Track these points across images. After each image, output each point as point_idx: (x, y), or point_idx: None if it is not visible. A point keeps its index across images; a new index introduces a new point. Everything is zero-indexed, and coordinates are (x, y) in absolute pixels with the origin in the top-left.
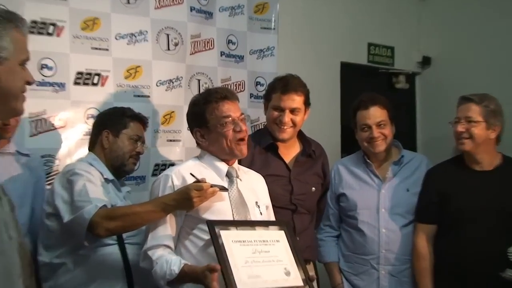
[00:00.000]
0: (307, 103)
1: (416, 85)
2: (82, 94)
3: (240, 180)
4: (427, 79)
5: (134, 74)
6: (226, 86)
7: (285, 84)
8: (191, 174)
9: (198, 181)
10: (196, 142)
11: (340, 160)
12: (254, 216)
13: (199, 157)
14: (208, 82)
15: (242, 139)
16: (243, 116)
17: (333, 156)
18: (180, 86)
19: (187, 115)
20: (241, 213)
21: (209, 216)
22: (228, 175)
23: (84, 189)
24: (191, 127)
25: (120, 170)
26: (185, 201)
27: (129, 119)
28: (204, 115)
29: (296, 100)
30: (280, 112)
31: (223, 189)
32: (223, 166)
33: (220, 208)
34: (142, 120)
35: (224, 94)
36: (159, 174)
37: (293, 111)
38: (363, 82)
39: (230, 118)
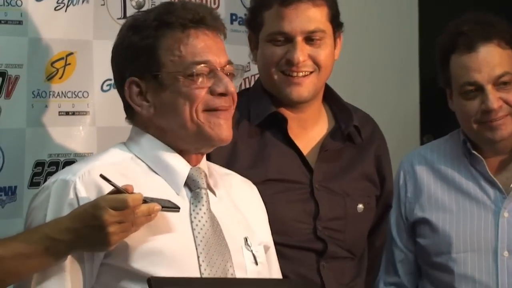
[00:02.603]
0: (335, 23)
1: None
2: None
3: (214, 194)
4: None
5: None
6: None
7: None
8: (101, 176)
9: (118, 190)
10: (128, 107)
11: (416, 151)
12: (242, 267)
13: (128, 144)
14: None
15: (223, 109)
16: (231, 66)
17: (405, 141)
18: (84, 1)
19: (114, 51)
20: (216, 262)
21: (149, 266)
22: (190, 183)
23: None
24: (121, 75)
25: None
26: (93, 232)
27: None
28: (154, 51)
29: (314, 16)
30: (285, 44)
31: (169, 208)
32: (181, 165)
33: (171, 249)
34: None
35: (202, 15)
36: (44, 182)
37: (310, 39)
38: None
39: (207, 66)
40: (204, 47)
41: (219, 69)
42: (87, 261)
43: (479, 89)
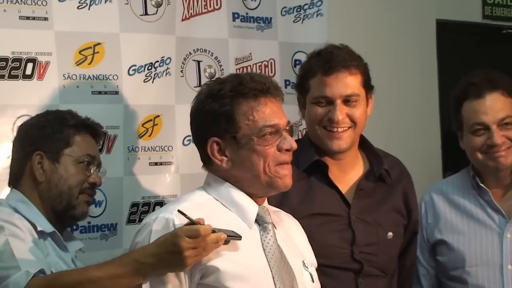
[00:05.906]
0: (367, 87)
1: None
2: (8, 94)
3: (275, 228)
4: None
5: (92, 58)
6: (244, 69)
7: (328, 59)
8: (179, 211)
9: (192, 222)
10: (207, 159)
11: (434, 186)
12: (304, 284)
13: (206, 188)
14: (215, 65)
15: (287, 162)
16: (291, 124)
17: (429, 179)
18: (167, 74)
19: (195, 114)
20: (286, 281)
21: (237, 285)
22: (258, 219)
23: (7, 248)
24: (203, 136)
25: (65, 216)
26: (172, 256)
27: (72, 130)
28: (232, 116)
29: (351, 83)
30: (327, 106)
31: (233, 236)
32: (252, 206)
33: (253, 270)
34: (93, 130)
35: (268, 85)
36: (139, 219)
37: (347, 101)
38: (476, 52)
39: (274, 128)
40: (271, 112)
41: (283, 129)
42: (186, 282)
43: (485, 129)
